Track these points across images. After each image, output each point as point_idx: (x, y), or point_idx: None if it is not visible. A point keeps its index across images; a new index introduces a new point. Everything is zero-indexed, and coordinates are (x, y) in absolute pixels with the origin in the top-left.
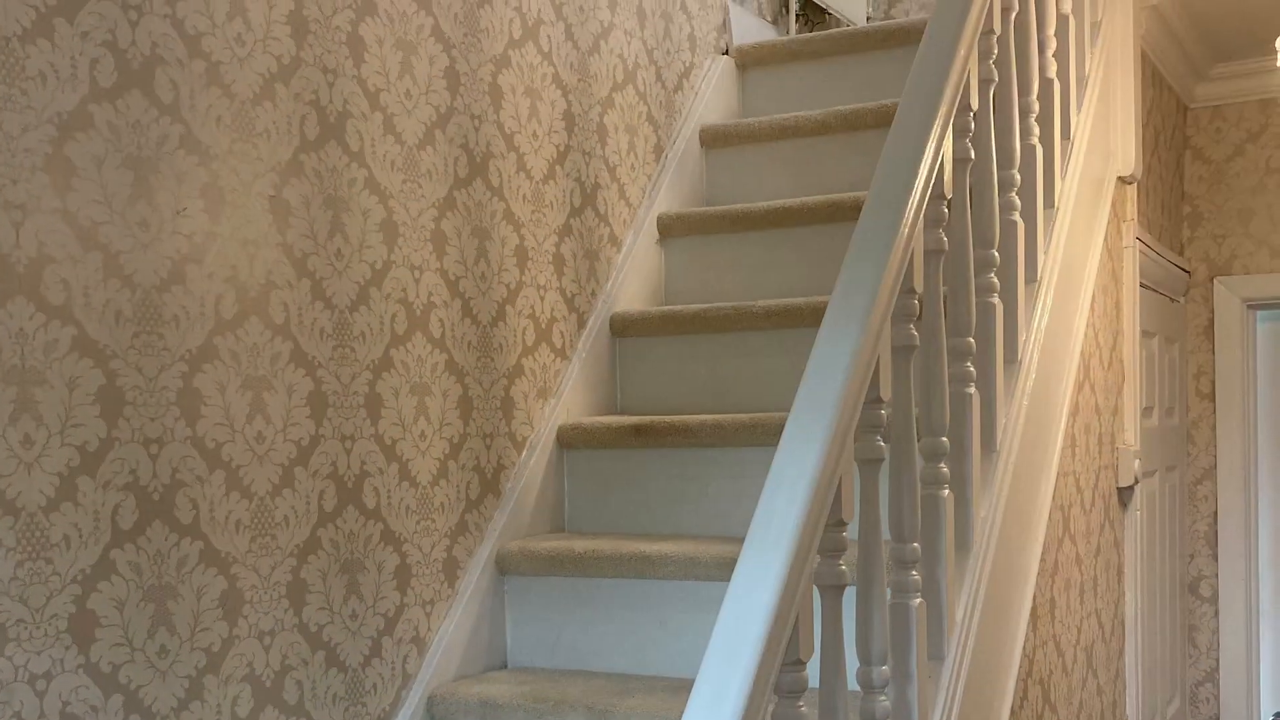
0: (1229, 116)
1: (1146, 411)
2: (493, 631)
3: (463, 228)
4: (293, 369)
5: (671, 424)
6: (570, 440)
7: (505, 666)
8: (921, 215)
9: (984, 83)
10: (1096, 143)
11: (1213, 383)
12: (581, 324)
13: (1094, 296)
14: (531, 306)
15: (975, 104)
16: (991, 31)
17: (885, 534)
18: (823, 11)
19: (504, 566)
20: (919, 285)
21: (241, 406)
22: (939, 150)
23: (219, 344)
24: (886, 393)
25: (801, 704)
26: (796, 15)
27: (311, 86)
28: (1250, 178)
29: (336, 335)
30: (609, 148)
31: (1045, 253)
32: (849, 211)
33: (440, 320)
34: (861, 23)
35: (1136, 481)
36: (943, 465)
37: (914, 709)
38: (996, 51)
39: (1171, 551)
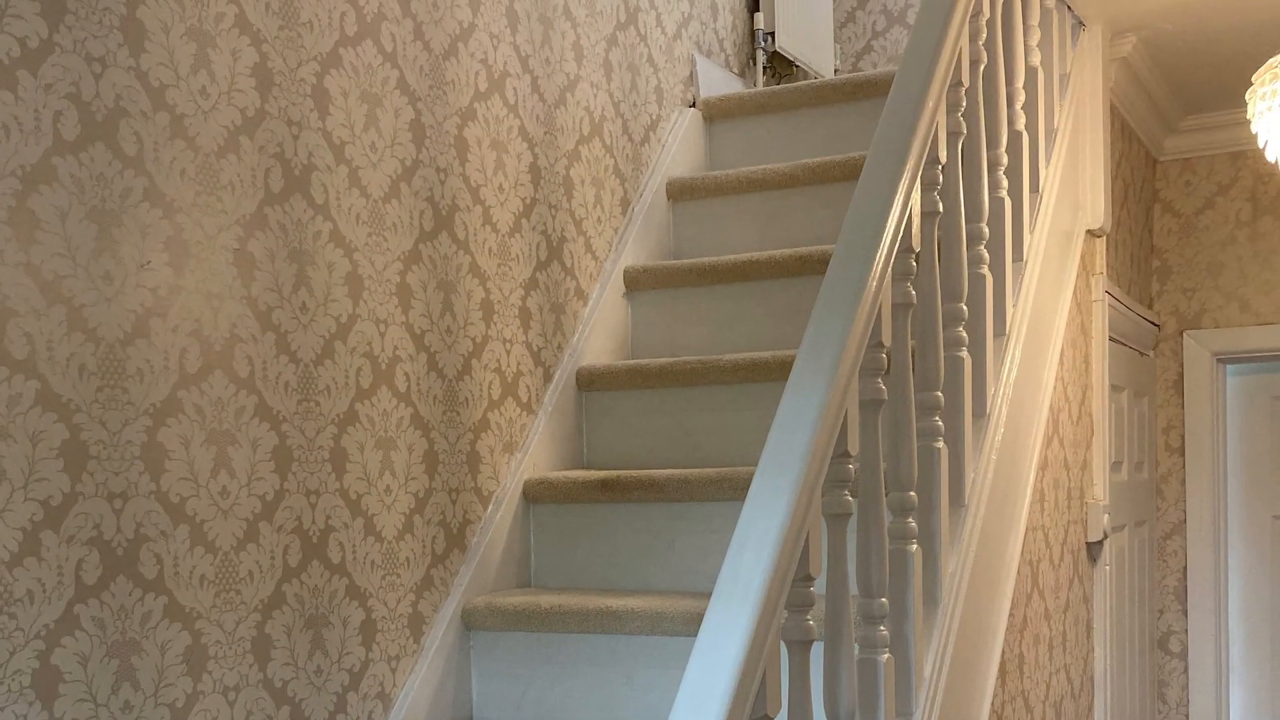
0: (1199, 169)
1: (1115, 466)
2: (458, 687)
3: (428, 281)
4: (257, 423)
5: (638, 478)
6: (537, 495)
7: None
8: (889, 269)
9: (952, 135)
10: (1065, 196)
11: (1182, 437)
12: (548, 378)
13: (1063, 350)
14: (497, 360)
15: (943, 157)
16: (960, 84)
17: (853, 589)
18: (790, 64)
19: (470, 622)
20: (887, 339)
21: (206, 461)
22: (907, 203)
23: (183, 398)
24: (854, 447)
25: None
26: (764, 68)
27: (276, 139)
28: (1220, 231)
29: (301, 389)
30: (575, 201)
31: (1014, 306)
32: (816, 265)
33: (406, 374)
34: (829, 75)
35: (1105, 536)
36: (911, 520)
37: None
38: (965, 104)
39: (1141, 607)
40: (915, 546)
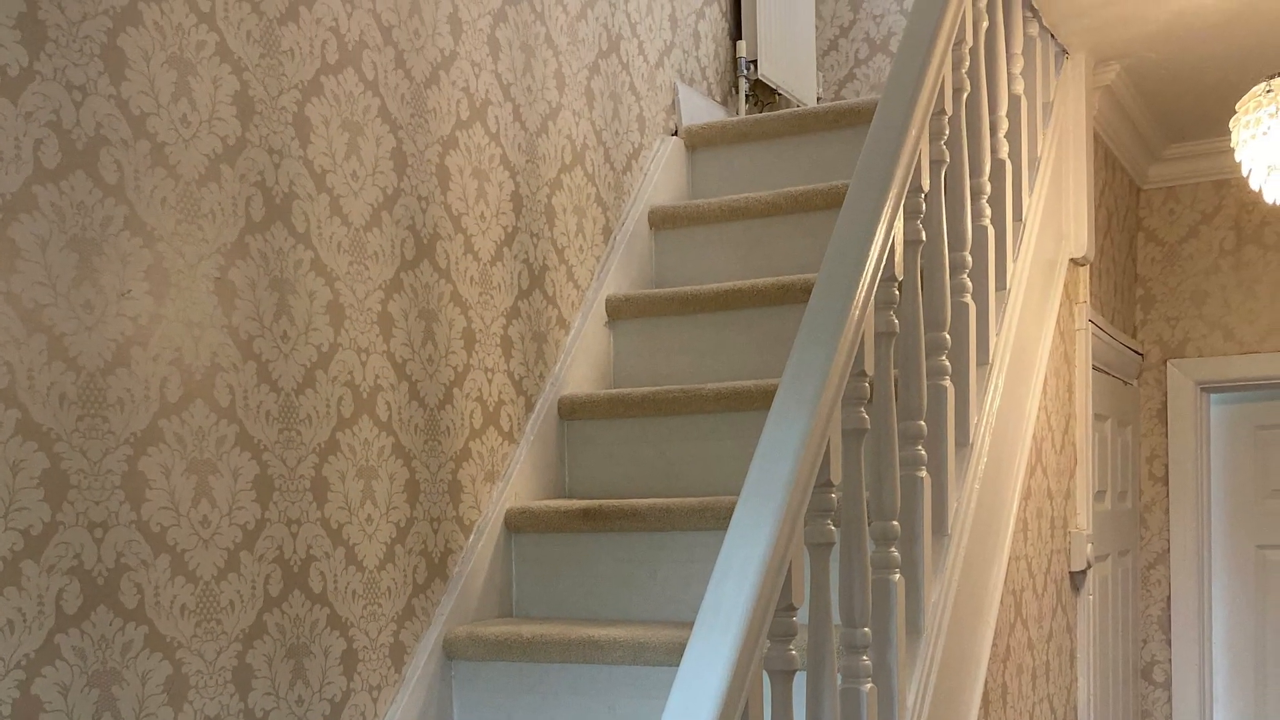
0: (1183, 198)
1: (1099, 495)
2: (440, 717)
3: (410, 310)
4: (238, 452)
5: (620, 508)
6: (518, 524)
7: None
8: (872, 297)
9: (935, 164)
10: (1048, 224)
11: (1166, 466)
12: (529, 407)
13: (1046, 379)
14: (479, 389)
15: (926, 185)
16: (943, 112)
17: (836, 618)
18: (772, 92)
19: (451, 651)
20: (870, 368)
21: (186, 490)
22: (890, 232)
23: (164, 427)
24: (837, 476)
25: None
26: (746, 96)
27: (257, 167)
28: (1204, 259)
29: (282, 418)
30: (557, 229)
31: (997, 335)
32: (799, 293)
33: (387, 403)
34: (812, 103)
35: (1089, 566)
36: (894, 549)
37: None
38: (948, 132)
39: (1124, 636)
40: (898, 576)
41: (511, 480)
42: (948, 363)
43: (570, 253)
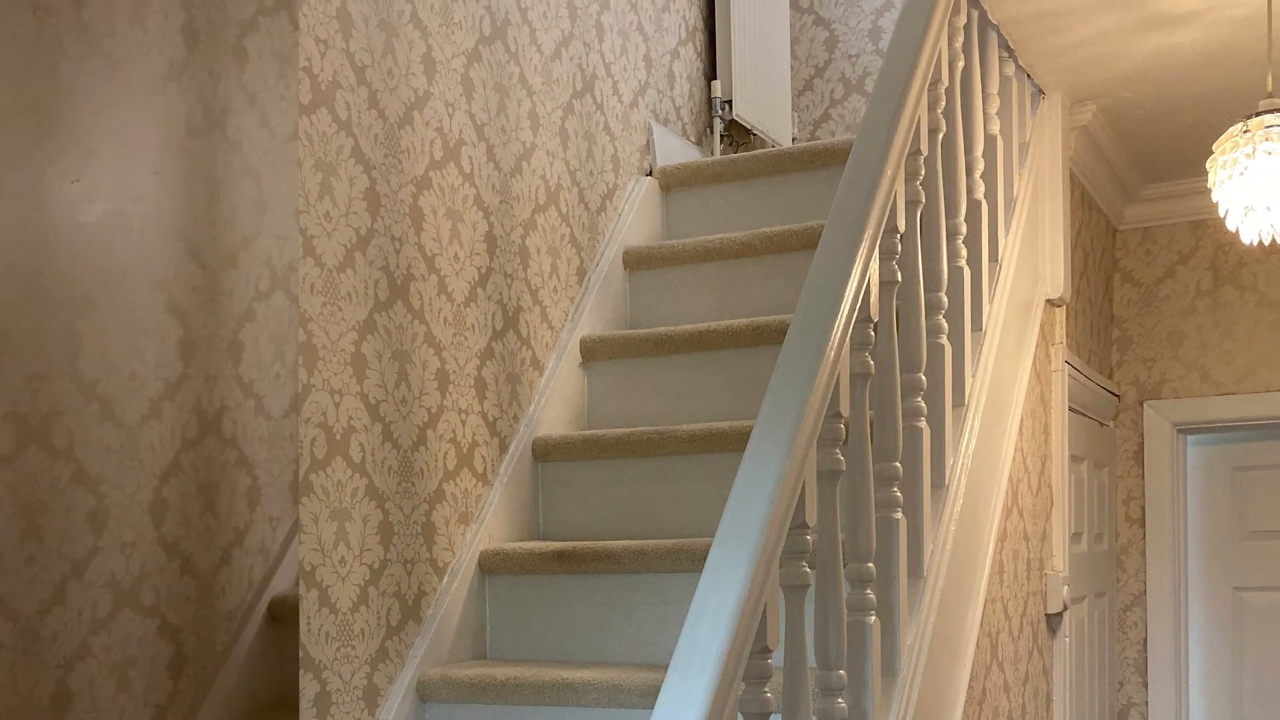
0: (1159, 238)
1: (1075, 537)
2: None
3: (383, 351)
4: None
5: (595, 550)
6: (492, 566)
7: None
8: (847, 339)
9: (911, 204)
10: (1025, 265)
11: (1142, 508)
12: (504, 448)
13: (1022, 421)
14: (453, 431)
15: (902, 226)
16: (918, 152)
17: (811, 661)
18: (747, 132)
19: (425, 694)
20: (845, 409)
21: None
22: (865, 273)
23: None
24: (812, 518)
25: None
26: (721, 136)
27: None
28: (1180, 300)
29: None
30: (531, 270)
31: (973, 376)
32: (774, 334)
33: (360, 444)
34: (787, 143)
35: (1065, 608)
36: (869, 591)
37: None
38: (923, 173)
39: (1101, 679)
40: (873, 618)
41: (485, 522)
42: (923, 404)
43: (544, 293)
